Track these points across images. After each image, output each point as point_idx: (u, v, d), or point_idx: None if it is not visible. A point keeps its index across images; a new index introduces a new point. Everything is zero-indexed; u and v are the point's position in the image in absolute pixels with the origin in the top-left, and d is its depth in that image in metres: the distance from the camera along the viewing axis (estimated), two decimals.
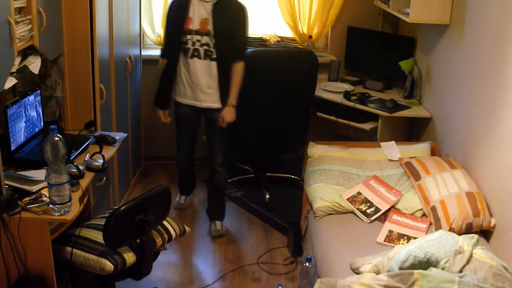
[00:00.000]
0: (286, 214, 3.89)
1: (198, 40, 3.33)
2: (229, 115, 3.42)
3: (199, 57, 3.36)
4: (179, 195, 4.02)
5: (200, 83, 3.40)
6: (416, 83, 4.08)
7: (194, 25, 3.33)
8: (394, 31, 4.57)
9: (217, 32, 3.30)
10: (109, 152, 2.83)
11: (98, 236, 2.48)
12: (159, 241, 2.63)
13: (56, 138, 2.17)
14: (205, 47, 3.33)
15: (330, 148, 3.49)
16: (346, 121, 4.01)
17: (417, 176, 3.06)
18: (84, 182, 2.49)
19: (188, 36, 3.34)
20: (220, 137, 3.57)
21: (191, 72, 3.40)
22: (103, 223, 2.42)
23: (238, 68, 3.39)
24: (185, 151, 3.74)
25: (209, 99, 3.44)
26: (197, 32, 3.33)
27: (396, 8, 3.91)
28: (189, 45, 3.35)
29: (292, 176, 4.37)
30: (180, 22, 3.35)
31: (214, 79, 3.38)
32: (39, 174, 2.42)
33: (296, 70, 3.82)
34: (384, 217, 2.94)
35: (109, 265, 2.39)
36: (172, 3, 3.49)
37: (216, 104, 3.44)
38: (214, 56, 3.34)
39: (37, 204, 2.26)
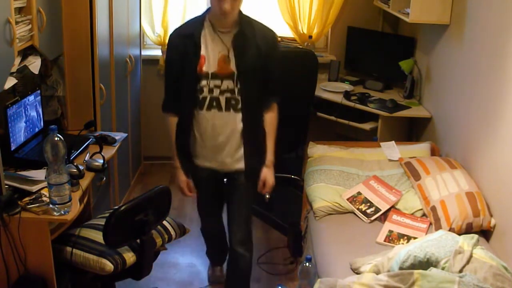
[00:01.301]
0: (286, 214, 3.89)
1: (216, 86, 2.46)
2: (271, 176, 2.65)
3: (219, 108, 2.49)
4: (210, 266, 3.30)
5: (222, 143, 2.57)
6: (416, 83, 4.08)
7: (210, 66, 2.45)
8: (394, 31, 4.57)
9: (243, 73, 2.45)
10: (109, 152, 2.83)
11: (98, 236, 2.48)
12: (159, 241, 2.63)
13: (56, 138, 2.17)
14: (227, 95, 2.48)
15: (330, 148, 3.49)
16: (346, 121, 4.01)
17: (417, 176, 3.06)
18: (84, 182, 2.49)
19: (203, 82, 2.45)
20: (243, 205, 2.74)
21: (208, 129, 2.55)
22: (103, 223, 2.42)
23: (273, 113, 2.61)
24: (212, 221, 2.99)
25: (234, 160, 2.62)
26: (214, 76, 2.46)
27: (396, 8, 3.91)
28: (205, 94, 2.48)
29: (292, 176, 4.37)
30: (189, 63, 2.47)
31: (238, 134, 2.55)
32: (39, 174, 2.42)
33: (296, 70, 3.82)
34: (384, 217, 2.94)
35: (109, 265, 2.39)
36: (174, 37, 2.56)
37: (241, 165, 2.62)
38: (240, 106, 2.49)
39: (37, 204, 2.26)
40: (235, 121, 2.51)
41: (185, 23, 2.62)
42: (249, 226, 2.78)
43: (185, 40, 2.48)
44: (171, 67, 2.58)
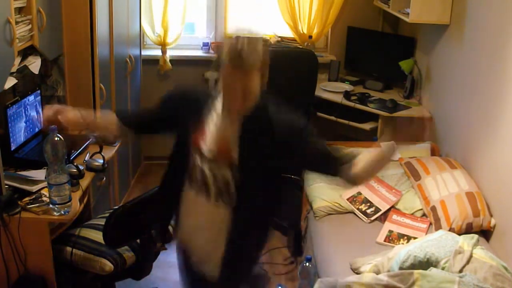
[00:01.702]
0: (286, 214, 3.89)
1: (210, 170, 1.95)
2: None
3: (207, 196, 1.97)
4: None
5: (200, 237, 2.07)
6: (416, 83, 4.08)
7: (208, 146, 1.95)
8: (394, 31, 4.57)
9: (246, 165, 1.92)
10: (109, 152, 2.83)
11: (98, 236, 2.48)
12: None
13: (56, 138, 2.17)
14: (220, 185, 1.95)
15: None
16: (346, 121, 4.01)
17: (417, 176, 3.06)
18: (84, 182, 2.49)
19: (196, 160, 1.98)
20: None
21: (190, 213, 2.07)
22: (103, 223, 2.42)
23: (355, 169, 1.92)
24: None
25: (208, 261, 2.08)
26: (211, 160, 1.95)
27: (396, 8, 3.91)
28: (195, 173, 1.99)
29: (292, 176, 4.37)
30: (184, 132, 2.00)
31: (222, 235, 2.00)
32: (39, 174, 2.42)
33: (296, 70, 3.81)
34: (384, 217, 2.94)
35: (109, 265, 2.39)
36: (177, 95, 2.09)
37: (214, 271, 2.06)
38: (232, 202, 1.95)
39: (37, 204, 2.26)
40: (222, 220, 1.98)
41: (195, 88, 2.19)
42: None
43: (190, 104, 2.01)
44: (155, 113, 2.12)
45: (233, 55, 1.80)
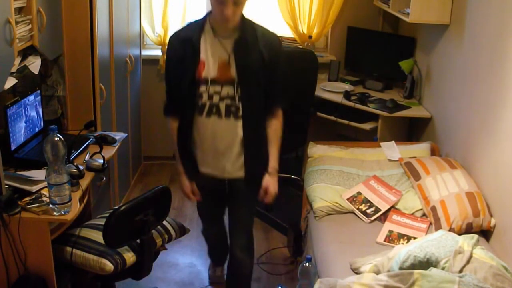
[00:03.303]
0: (286, 214, 3.89)
1: (216, 92, 2.38)
2: (273, 184, 2.55)
3: (219, 115, 2.41)
4: (211, 266, 3.29)
5: (222, 150, 2.50)
6: (416, 83, 4.08)
7: (210, 71, 2.36)
8: (394, 31, 4.57)
9: (244, 79, 2.37)
10: (109, 152, 2.83)
11: (98, 236, 2.48)
12: (159, 241, 2.63)
13: (56, 138, 2.17)
14: (227, 101, 2.39)
15: (330, 148, 3.49)
16: (346, 121, 4.01)
17: (417, 176, 3.06)
18: (84, 182, 2.49)
19: (202, 88, 2.37)
20: (244, 211, 2.72)
21: (208, 135, 2.47)
22: (103, 223, 2.42)
23: (277, 120, 2.53)
24: (213, 225, 2.98)
25: (235, 168, 2.54)
26: (214, 81, 2.37)
27: (396, 8, 3.91)
28: (204, 100, 2.40)
29: (292, 176, 4.37)
30: (188, 68, 2.37)
31: (239, 141, 2.47)
32: (39, 174, 2.42)
33: (296, 70, 3.81)
34: (384, 217, 2.94)
35: (109, 265, 2.39)
36: (173, 40, 2.47)
37: (242, 173, 2.55)
38: (240, 113, 2.41)
39: (37, 204, 2.26)
40: (236, 128, 2.43)
41: (185, 26, 2.52)
42: (250, 232, 2.76)
43: (184, 44, 2.38)
44: (170, 71, 2.52)
45: None
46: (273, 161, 2.53)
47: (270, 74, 2.42)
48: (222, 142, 2.47)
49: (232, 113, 2.41)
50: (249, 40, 2.36)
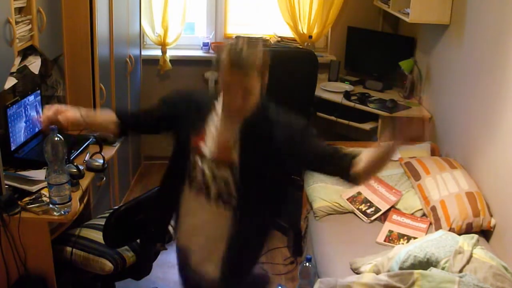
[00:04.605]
0: (286, 214, 3.89)
1: (210, 170, 1.96)
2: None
3: (207, 195, 1.98)
4: None
5: (200, 238, 2.06)
6: (416, 83, 4.08)
7: (208, 146, 1.97)
8: (394, 31, 4.57)
9: (246, 167, 1.93)
10: (109, 152, 2.83)
11: (98, 236, 2.48)
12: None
13: (56, 138, 2.17)
14: (220, 185, 1.96)
15: None
16: (346, 121, 4.01)
17: (417, 176, 3.06)
18: (84, 182, 2.49)
19: (196, 158, 1.99)
20: None
21: (189, 213, 2.07)
22: (103, 223, 2.42)
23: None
24: None
25: (208, 261, 2.07)
26: (210, 160, 1.96)
27: (396, 8, 3.91)
28: (195, 173, 2.00)
29: (292, 176, 4.37)
30: (185, 132, 2.02)
31: (223, 237, 2.00)
32: (39, 174, 2.42)
33: (296, 70, 3.81)
34: (384, 217, 2.94)
35: (109, 265, 2.39)
36: (181, 94, 2.13)
37: (215, 271, 2.05)
38: (233, 203, 1.96)
39: (37, 204, 2.26)
40: (223, 220, 1.97)
41: (197, 91, 2.29)
42: None
43: (191, 105, 2.02)
44: (154, 109, 2.11)
45: (233, 56, 1.81)
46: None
47: (305, 158, 1.95)
48: (202, 231, 2.04)
49: (223, 200, 1.97)
50: (263, 127, 1.94)
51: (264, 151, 1.93)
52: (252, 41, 1.86)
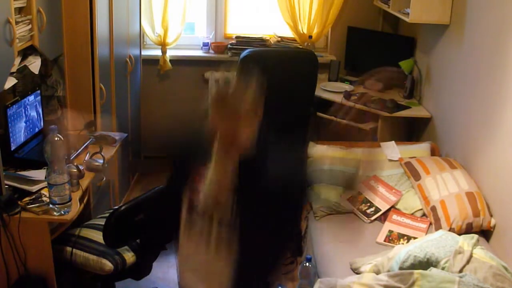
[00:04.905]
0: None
1: (209, 218, 1.79)
2: None
3: (207, 240, 1.79)
4: None
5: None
6: (416, 83, 4.08)
7: (205, 191, 1.78)
8: (394, 31, 4.56)
9: (242, 216, 1.77)
10: (109, 152, 2.83)
11: (98, 236, 2.48)
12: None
13: (56, 138, 2.17)
14: (219, 235, 1.79)
15: (330, 148, 3.48)
16: (346, 121, 4.00)
17: (417, 176, 3.06)
18: (84, 182, 2.49)
19: (195, 203, 1.81)
20: None
21: (181, 259, 1.93)
22: (103, 223, 2.42)
23: None
24: None
25: None
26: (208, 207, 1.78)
27: (396, 8, 3.91)
28: (195, 222, 1.80)
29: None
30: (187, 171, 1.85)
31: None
32: (39, 174, 2.42)
33: (296, 70, 3.81)
34: (384, 217, 2.94)
35: (109, 265, 2.39)
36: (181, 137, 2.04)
37: None
38: (234, 245, 1.78)
39: (37, 204, 2.26)
40: (222, 270, 1.79)
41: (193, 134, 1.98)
42: None
43: (191, 148, 1.89)
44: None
45: (220, 101, 1.67)
46: None
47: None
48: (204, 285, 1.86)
49: (223, 241, 1.78)
50: (258, 167, 1.81)
51: (260, 200, 1.76)
52: (240, 84, 1.72)
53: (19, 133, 2.65)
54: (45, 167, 2.29)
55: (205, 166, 1.77)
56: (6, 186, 2.28)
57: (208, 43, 4.53)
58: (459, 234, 2.54)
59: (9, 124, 2.54)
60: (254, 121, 1.77)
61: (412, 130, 4.15)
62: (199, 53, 4.54)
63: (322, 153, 3.46)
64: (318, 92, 4.11)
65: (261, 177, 1.78)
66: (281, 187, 1.79)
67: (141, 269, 2.58)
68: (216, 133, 1.73)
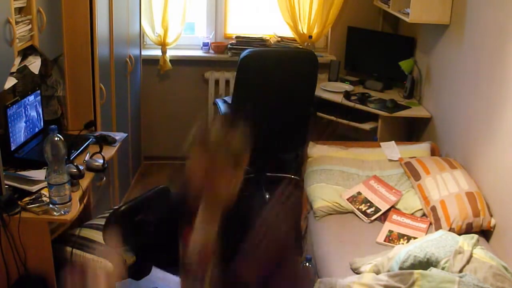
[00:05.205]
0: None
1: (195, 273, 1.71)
2: None
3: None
4: None
5: None
6: (416, 83, 4.08)
7: (191, 247, 1.70)
8: (394, 31, 4.56)
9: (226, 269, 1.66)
10: (109, 152, 2.83)
11: (98, 236, 2.48)
12: None
13: (56, 138, 2.17)
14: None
15: (330, 148, 3.49)
16: (346, 121, 4.01)
17: (417, 176, 3.06)
18: (84, 182, 2.49)
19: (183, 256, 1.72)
20: None
21: None
22: (103, 223, 2.42)
23: None
24: None
25: None
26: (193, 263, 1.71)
27: (396, 8, 3.91)
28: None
29: (292, 176, 4.37)
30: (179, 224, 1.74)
31: None
32: (39, 174, 2.42)
33: (296, 70, 3.81)
34: (384, 217, 2.94)
35: (109, 265, 2.39)
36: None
37: None
38: None
39: (37, 204, 2.26)
40: None
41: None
42: None
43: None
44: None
45: (201, 137, 1.58)
46: None
47: None
48: None
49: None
50: (243, 219, 1.64)
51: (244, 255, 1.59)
52: (220, 134, 1.59)
53: (19, 133, 2.65)
54: (45, 167, 2.29)
55: (191, 226, 1.67)
56: (6, 186, 2.28)
57: (208, 43, 4.53)
58: (459, 234, 2.54)
59: (9, 124, 2.54)
60: (239, 172, 1.61)
61: (412, 130, 4.15)
62: (199, 53, 4.55)
63: (322, 153, 3.46)
64: (318, 92, 4.11)
65: (247, 236, 1.59)
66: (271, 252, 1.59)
67: (141, 269, 2.57)
68: (199, 189, 1.61)
